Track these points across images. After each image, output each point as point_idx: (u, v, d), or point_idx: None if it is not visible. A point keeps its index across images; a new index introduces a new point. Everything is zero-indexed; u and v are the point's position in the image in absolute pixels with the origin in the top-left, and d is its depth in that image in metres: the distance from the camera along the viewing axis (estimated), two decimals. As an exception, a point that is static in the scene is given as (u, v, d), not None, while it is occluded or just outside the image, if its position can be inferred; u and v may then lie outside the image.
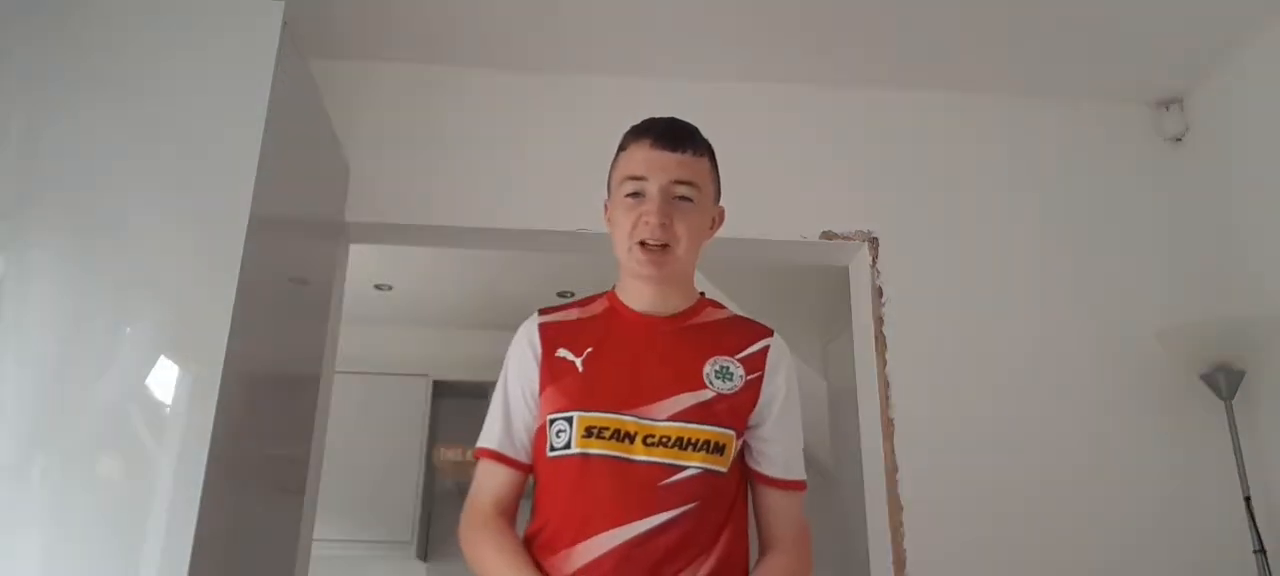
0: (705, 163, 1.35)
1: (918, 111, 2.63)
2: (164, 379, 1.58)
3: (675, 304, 1.36)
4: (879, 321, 2.41)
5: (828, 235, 2.49)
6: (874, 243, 2.48)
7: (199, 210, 1.65)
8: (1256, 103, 2.36)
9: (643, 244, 1.29)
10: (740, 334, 1.37)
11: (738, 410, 1.29)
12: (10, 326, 1.55)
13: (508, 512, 1.32)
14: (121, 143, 1.68)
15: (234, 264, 1.61)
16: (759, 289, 3.65)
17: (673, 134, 1.33)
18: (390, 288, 4.15)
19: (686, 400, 1.26)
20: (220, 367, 1.55)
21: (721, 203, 1.42)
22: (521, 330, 1.38)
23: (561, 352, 1.32)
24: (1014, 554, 2.22)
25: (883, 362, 2.38)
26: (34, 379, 1.54)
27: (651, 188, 1.30)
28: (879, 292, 2.44)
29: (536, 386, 1.32)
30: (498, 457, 1.33)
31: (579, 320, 1.37)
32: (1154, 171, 2.61)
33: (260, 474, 1.86)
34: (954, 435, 2.31)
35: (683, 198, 1.30)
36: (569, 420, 1.26)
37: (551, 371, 1.31)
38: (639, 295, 1.35)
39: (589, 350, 1.31)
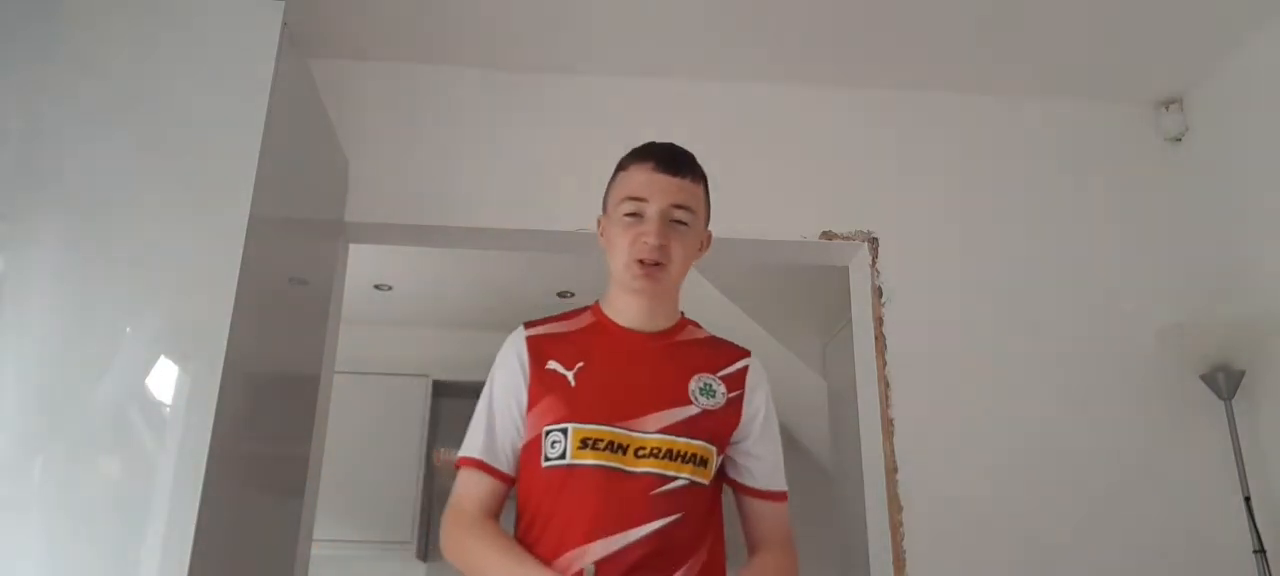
0: (701, 189, 1.42)
1: (918, 111, 2.63)
2: (164, 379, 1.58)
3: (661, 321, 1.41)
4: (879, 321, 2.41)
5: (828, 235, 2.49)
6: (874, 243, 2.48)
7: (199, 210, 1.65)
8: (1256, 103, 2.36)
9: (640, 261, 1.34)
10: (721, 353, 1.43)
11: (721, 426, 1.35)
12: (11, 326, 1.55)
13: (494, 518, 1.36)
14: (121, 143, 1.68)
15: (234, 264, 1.61)
16: (759, 289, 3.65)
17: (674, 159, 1.40)
18: (390, 288, 4.15)
19: (674, 415, 1.32)
20: (220, 367, 1.55)
21: (711, 227, 1.48)
22: (509, 343, 1.42)
23: (552, 365, 1.36)
24: (1013, 553, 2.22)
25: (883, 363, 2.38)
26: (34, 378, 1.54)
27: (651, 209, 1.35)
28: (879, 292, 2.44)
29: (525, 399, 1.36)
30: (482, 466, 1.36)
31: (566, 333, 1.42)
32: (1154, 171, 2.61)
33: (260, 474, 1.86)
34: (954, 435, 2.31)
35: (679, 221, 1.36)
36: (564, 431, 1.30)
37: (543, 384, 1.35)
38: (628, 311, 1.40)
39: (580, 365, 1.36)
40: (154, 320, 1.61)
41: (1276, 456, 2.24)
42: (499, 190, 2.46)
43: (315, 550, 2.27)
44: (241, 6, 1.80)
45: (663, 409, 1.32)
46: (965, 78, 2.59)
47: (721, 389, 1.37)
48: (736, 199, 2.50)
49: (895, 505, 2.25)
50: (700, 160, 1.41)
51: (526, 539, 1.30)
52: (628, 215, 1.36)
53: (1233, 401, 2.24)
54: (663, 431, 1.30)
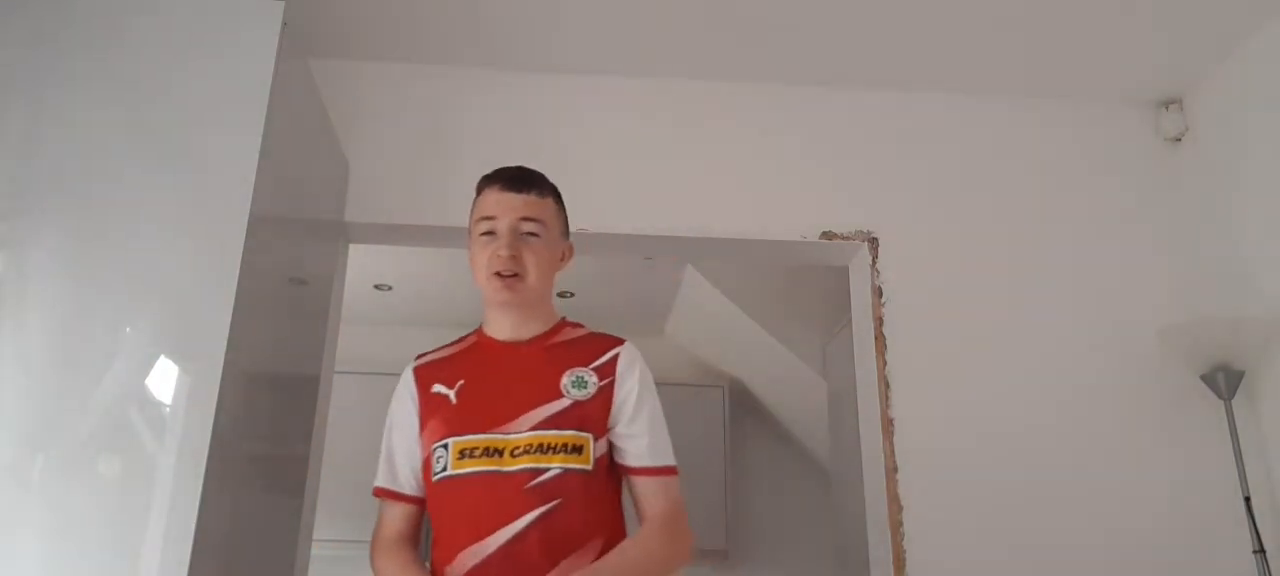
0: (550, 203, 1.53)
1: (917, 111, 2.63)
2: (164, 379, 1.58)
3: (534, 328, 1.52)
4: (879, 321, 2.41)
5: (828, 235, 2.49)
6: (874, 243, 2.48)
7: (199, 210, 1.65)
8: (1256, 103, 2.36)
9: (498, 274, 1.45)
10: (594, 345, 1.52)
11: (594, 414, 1.44)
12: (10, 326, 1.55)
13: (407, 538, 1.52)
14: (121, 142, 1.68)
15: (234, 264, 1.60)
16: (759, 289, 3.65)
17: (520, 178, 1.51)
18: (390, 288, 4.15)
19: (546, 411, 1.42)
20: (220, 367, 1.54)
21: (570, 239, 1.60)
22: (401, 378, 1.55)
23: (436, 388, 1.49)
24: (1013, 553, 2.22)
25: (882, 363, 2.38)
26: (34, 379, 1.54)
27: (502, 226, 1.47)
28: (879, 292, 2.44)
29: (416, 425, 1.49)
30: (386, 494, 1.53)
31: (450, 356, 1.55)
32: (1154, 171, 2.61)
33: (260, 474, 1.86)
34: (954, 434, 2.31)
35: (530, 233, 1.48)
36: (446, 447, 1.42)
37: (430, 407, 1.48)
38: (500, 324, 1.52)
39: (461, 383, 1.48)
40: (154, 320, 1.61)
41: (1277, 456, 2.24)
42: (499, 190, 2.46)
43: (315, 550, 2.27)
44: (241, 6, 1.79)
45: (535, 407, 1.42)
46: (965, 78, 2.59)
47: (593, 379, 1.46)
48: (736, 199, 2.52)
49: (895, 505, 2.25)
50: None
51: (435, 552, 1.43)
52: (483, 234, 1.48)
53: (1233, 401, 2.24)
54: (535, 428, 1.40)
